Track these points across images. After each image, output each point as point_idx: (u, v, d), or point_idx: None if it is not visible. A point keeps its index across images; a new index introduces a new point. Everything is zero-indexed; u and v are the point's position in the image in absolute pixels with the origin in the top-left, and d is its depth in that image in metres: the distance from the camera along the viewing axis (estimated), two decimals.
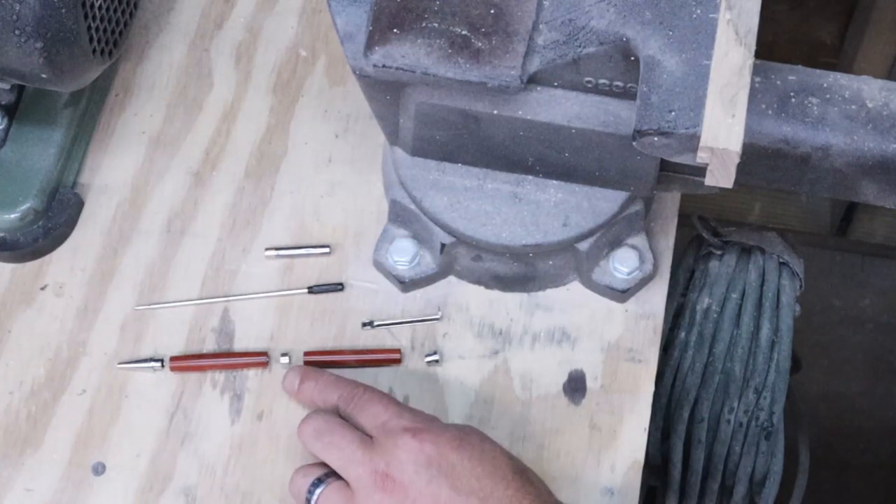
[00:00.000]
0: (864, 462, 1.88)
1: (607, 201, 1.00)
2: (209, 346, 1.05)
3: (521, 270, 1.04)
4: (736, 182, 0.86)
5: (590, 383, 1.03)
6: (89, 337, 1.05)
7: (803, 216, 1.85)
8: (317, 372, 1.01)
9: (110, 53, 1.02)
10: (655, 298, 1.06)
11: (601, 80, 0.91)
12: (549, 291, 1.06)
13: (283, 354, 1.04)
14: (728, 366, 1.13)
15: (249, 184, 1.10)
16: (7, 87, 1.04)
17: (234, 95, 1.13)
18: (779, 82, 0.89)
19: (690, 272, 1.16)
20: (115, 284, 1.06)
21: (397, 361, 1.04)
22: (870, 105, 0.89)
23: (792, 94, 0.89)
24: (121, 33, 1.04)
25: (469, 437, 0.94)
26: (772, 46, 1.67)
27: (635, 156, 0.93)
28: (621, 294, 1.04)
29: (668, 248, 1.08)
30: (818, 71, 0.90)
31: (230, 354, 1.04)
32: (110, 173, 1.10)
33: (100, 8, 0.99)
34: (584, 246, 1.01)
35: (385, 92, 0.94)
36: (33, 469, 1.01)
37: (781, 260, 1.14)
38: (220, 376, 1.04)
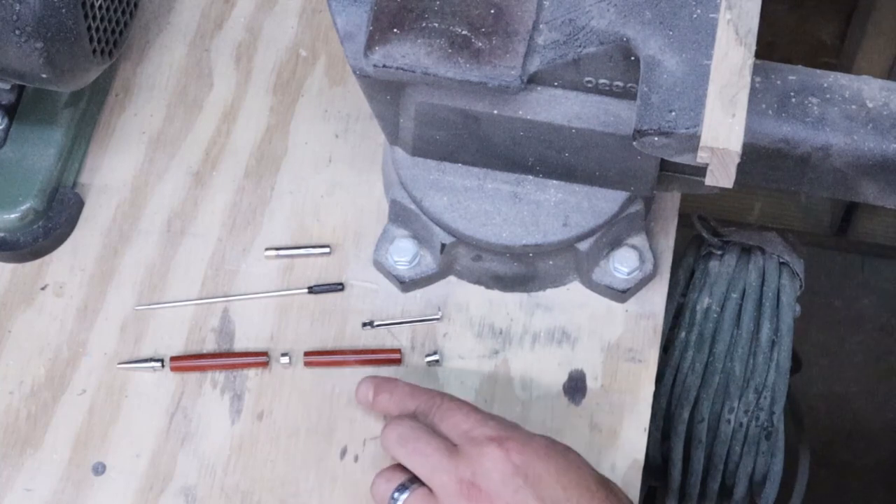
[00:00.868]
0: (864, 462, 1.88)
1: (607, 201, 1.00)
2: (209, 346, 1.05)
3: (521, 270, 1.04)
4: (736, 182, 0.86)
5: (590, 383, 1.03)
6: (89, 337, 1.05)
7: (803, 216, 1.85)
8: (390, 382, 0.99)
9: (110, 53, 1.02)
10: (655, 298, 1.06)
11: (601, 80, 0.91)
12: (549, 291, 1.06)
13: (283, 354, 1.04)
14: (728, 366, 1.13)
15: (249, 184, 1.10)
16: (7, 87, 1.04)
17: (234, 95, 1.13)
18: (779, 82, 0.89)
19: (690, 272, 1.16)
20: (115, 284, 1.06)
21: (397, 361, 1.04)
22: (870, 105, 0.89)
23: (792, 94, 0.89)
24: (121, 33, 1.04)
25: (554, 446, 0.93)
26: (772, 46, 1.67)
27: (635, 156, 0.93)
28: (621, 294, 1.04)
29: (668, 248, 1.08)
30: (818, 71, 0.90)
31: (230, 354, 1.04)
32: (110, 173, 1.10)
33: (100, 8, 0.99)
34: (584, 246, 1.01)
35: (385, 92, 0.94)
36: (33, 469, 1.01)
37: (781, 260, 1.14)
38: (220, 376, 1.04)
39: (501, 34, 0.89)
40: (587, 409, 1.03)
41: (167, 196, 1.09)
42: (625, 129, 0.92)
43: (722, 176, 0.86)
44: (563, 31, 0.89)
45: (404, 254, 1.04)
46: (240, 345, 1.05)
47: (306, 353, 1.04)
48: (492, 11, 0.90)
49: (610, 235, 1.02)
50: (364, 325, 1.05)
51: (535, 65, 0.90)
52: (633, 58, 0.88)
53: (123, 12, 1.04)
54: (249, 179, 1.10)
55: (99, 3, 0.99)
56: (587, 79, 0.91)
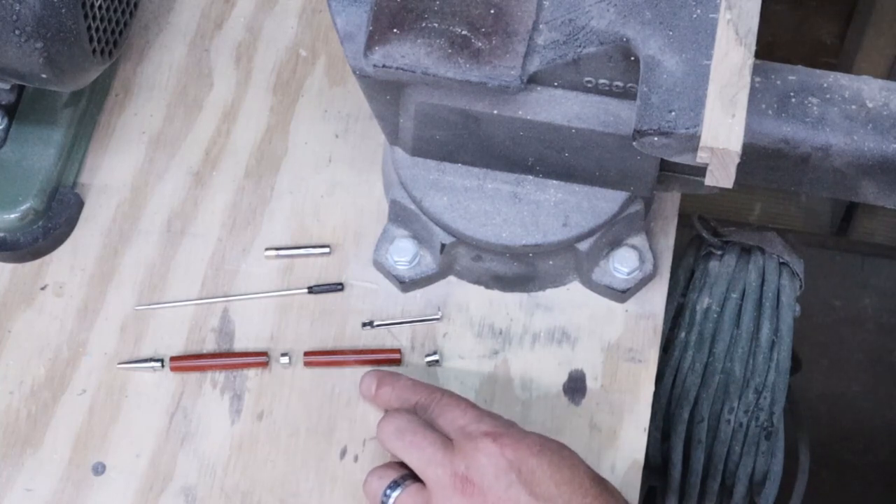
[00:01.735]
0: (864, 462, 1.88)
1: (607, 201, 1.00)
2: (209, 346, 1.05)
3: (521, 270, 1.04)
4: (736, 182, 0.86)
5: (590, 383, 1.03)
6: (89, 337, 1.05)
7: (803, 216, 1.85)
8: (393, 376, 1.00)
9: (110, 53, 1.02)
10: (655, 298, 1.06)
11: (601, 80, 0.91)
12: (549, 291, 1.06)
13: (283, 354, 1.04)
14: (728, 366, 1.13)
15: (249, 184, 1.10)
16: (7, 87, 1.04)
17: (234, 95, 1.13)
18: (779, 82, 0.89)
19: (690, 272, 1.16)
20: (115, 284, 1.06)
21: (397, 361, 1.04)
22: (870, 105, 0.89)
23: (792, 94, 0.89)
24: (121, 33, 1.04)
25: (548, 443, 0.93)
26: (772, 46, 1.67)
27: (635, 156, 0.93)
28: (621, 294, 1.04)
29: (668, 248, 1.08)
30: (818, 71, 0.90)
31: (230, 354, 1.04)
32: (110, 173, 1.10)
33: (100, 8, 0.99)
34: (584, 246, 1.01)
35: (385, 92, 0.94)
36: (33, 469, 1.01)
37: (781, 260, 1.14)
38: (220, 376, 1.04)
39: (501, 34, 0.89)
40: (587, 409, 1.03)
41: (167, 196, 1.09)
42: (625, 129, 0.92)
43: (722, 176, 0.86)
44: (563, 31, 0.89)
45: (404, 254, 1.04)
46: (240, 345, 1.05)
47: (306, 353, 1.04)
48: (492, 11, 0.90)
49: (610, 235, 1.02)
50: (364, 325, 1.05)
51: (535, 65, 0.90)
52: (633, 58, 0.88)
53: (123, 12, 1.04)
54: (249, 179, 1.10)
55: (99, 3, 0.99)
56: (587, 79, 0.91)
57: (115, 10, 1.02)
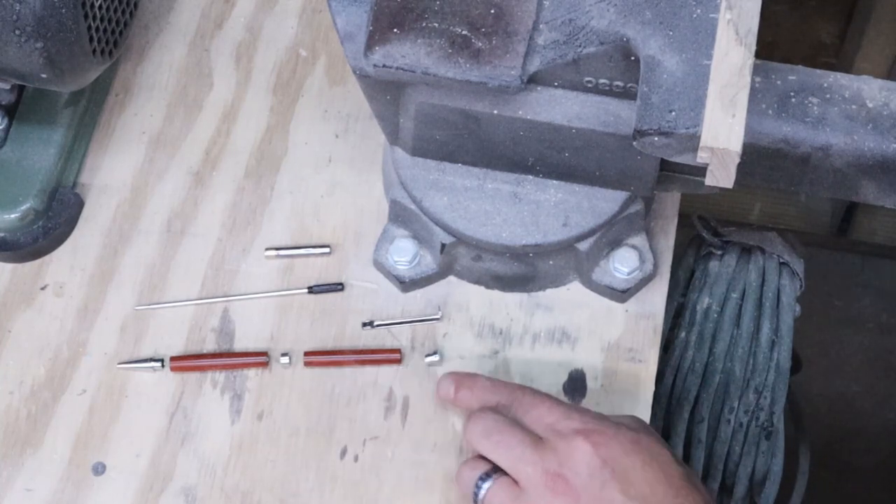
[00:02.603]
0: (864, 462, 1.88)
1: (607, 201, 1.00)
2: (209, 346, 1.05)
3: (521, 270, 1.04)
4: (736, 182, 0.86)
5: (590, 383, 1.03)
6: (89, 337, 1.05)
7: (803, 216, 1.85)
8: (471, 378, 1.00)
9: (110, 53, 1.02)
10: (655, 298, 1.06)
11: (601, 80, 0.91)
12: (549, 291, 1.06)
13: (283, 354, 1.04)
14: (728, 366, 1.13)
15: (249, 184, 1.10)
16: (7, 87, 1.04)
17: (234, 95, 1.13)
18: (779, 82, 0.89)
19: (690, 272, 1.16)
20: (115, 284, 1.06)
21: (397, 361, 1.04)
22: (870, 105, 0.89)
23: (792, 94, 0.89)
24: (121, 33, 1.04)
25: (640, 439, 0.93)
26: (772, 46, 1.67)
27: (635, 156, 0.93)
28: (621, 294, 1.04)
29: (668, 248, 1.08)
30: (818, 71, 0.90)
31: (230, 354, 1.04)
32: (110, 173, 1.10)
33: (100, 8, 0.99)
34: (584, 246, 1.01)
35: (385, 92, 0.94)
36: (33, 469, 1.01)
37: (781, 260, 1.14)
38: (220, 376, 1.04)
39: (501, 34, 0.89)
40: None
41: (167, 196, 1.09)
42: (625, 129, 0.92)
43: (722, 176, 0.86)
44: (563, 31, 0.89)
45: (404, 254, 1.04)
46: (240, 345, 1.05)
47: (306, 353, 1.04)
48: (492, 11, 0.90)
49: (610, 235, 1.02)
50: (364, 325, 1.05)
51: (535, 65, 0.90)
52: (633, 58, 0.88)
53: (123, 12, 1.04)
54: (249, 179, 1.10)
55: (99, 3, 0.99)
56: (587, 79, 0.91)
57: (115, 10, 1.02)
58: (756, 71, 0.87)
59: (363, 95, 0.96)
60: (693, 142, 0.85)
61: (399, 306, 1.06)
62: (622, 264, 1.03)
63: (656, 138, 0.86)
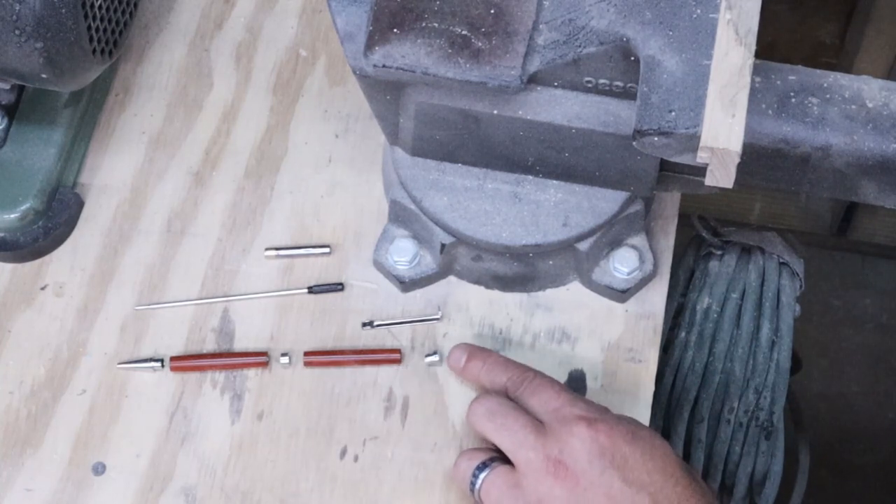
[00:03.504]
0: (864, 462, 1.88)
1: (607, 201, 1.00)
2: (209, 346, 1.05)
3: (521, 270, 1.04)
4: (736, 182, 0.86)
5: (590, 383, 1.03)
6: (89, 337, 1.05)
7: (803, 216, 1.85)
8: (484, 351, 1.01)
9: (110, 53, 1.02)
10: (655, 298, 1.06)
11: (601, 80, 0.91)
12: (549, 291, 1.06)
13: (283, 354, 1.04)
14: (728, 366, 1.13)
15: (249, 184, 1.10)
16: (7, 87, 1.04)
17: (234, 95, 1.13)
18: (779, 82, 0.89)
19: (690, 272, 1.16)
20: (115, 284, 1.06)
21: (397, 361, 1.04)
22: (870, 105, 0.89)
23: (792, 94, 0.89)
24: (121, 33, 1.04)
25: (641, 431, 0.94)
26: (772, 46, 1.67)
27: (635, 156, 0.93)
28: (621, 294, 1.04)
29: (668, 248, 1.08)
30: (818, 71, 0.90)
31: (230, 354, 1.04)
32: (110, 173, 1.10)
33: (100, 8, 0.99)
34: (584, 246, 1.01)
35: (385, 92, 0.94)
36: (33, 469, 1.01)
37: (781, 260, 1.14)
38: (220, 376, 1.04)
39: (501, 34, 0.89)
40: None
41: (167, 196, 1.09)
42: (625, 129, 0.92)
43: (722, 176, 0.86)
44: (563, 31, 0.89)
45: (404, 254, 1.04)
46: (240, 345, 1.05)
47: (306, 353, 1.04)
48: (492, 11, 0.90)
49: (610, 235, 1.02)
50: (364, 325, 1.05)
51: (535, 65, 0.90)
52: (633, 58, 0.88)
53: (123, 12, 1.04)
54: (249, 179, 1.10)
55: (99, 3, 0.99)
56: (587, 79, 0.91)
57: (115, 10, 1.02)
58: (756, 71, 0.87)
59: (363, 95, 0.96)
60: (693, 142, 0.85)
61: (399, 306, 1.06)
62: (622, 264, 1.04)
63: (656, 138, 0.86)
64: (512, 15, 0.90)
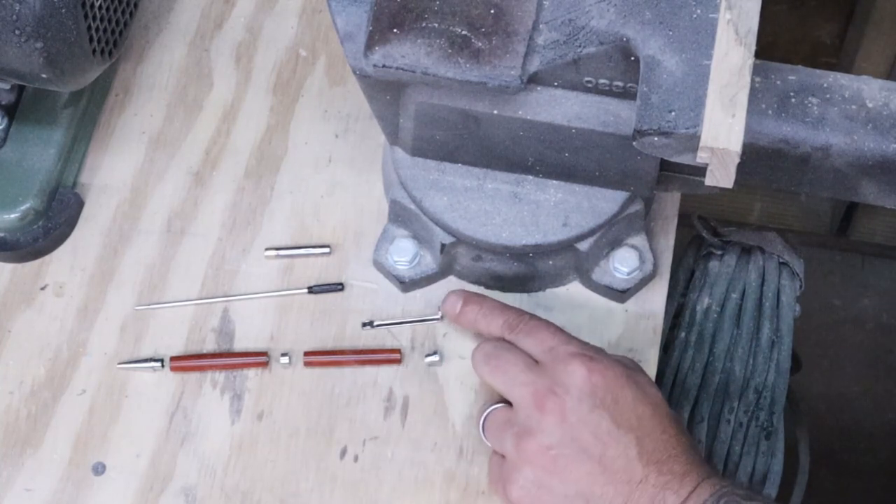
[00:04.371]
0: (864, 462, 1.88)
1: (607, 201, 1.00)
2: (209, 346, 1.05)
3: (521, 270, 1.04)
4: (736, 182, 0.86)
5: None
6: (89, 337, 1.05)
7: (803, 216, 1.85)
8: (480, 297, 1.01)
9: (110, 53, 1.02)
10: (655, 298, 1.06)
11: (601, 80, 0.91)
12: (549, 291, 1.06)
13: (283, 354, 1.04)
14: (728, 366, 1.13)
15: (249, 184, 1.10)
16: (7, 87, 1.04)
17: (234, 95, 1.13)
18: (779, 82, 0.89)
19: (690, 272, 1.16)
20: (115, 284, 1.06)
21: (397, 361, 1.04)
22: (870, 105, 0.89)
23: (792, 94, 0.89)
24: (121, 33, 1.04)
25: (636, 375, 0.95)
26: (772, 46, 1.67)
27: (635, 156, 0.93)
28: (621, 294, 1.04)
29: (668, 248, 1.08)
30: (818, 71, 0.90)
31: (230, 354, 1.04)
32: (110, 173, 1.10)
33: (100, 8, 0.99)
34: (584, 246, 1.01)
35: (385, 92, 0.94)
36: (33, 469, 1.01)
37: (781, 260, 1.14)
38: (220, 376, 1.04)
39: (501, 34, 0.89)
40: None
41: (167, 196, 1.09)
42: (625, 129, 0.92)
43: (722, 176, 0.86)
44: (563, 31, 0.89)
45: (404, 254, 1.04)
46: (240, 345, 1.05)
47: (306, 353, 1.04)
48: (492, 11, 0.90)
49: (610, 235, 1.02)
50: (364, 325, 1.05)
51: (534, 65, 0.90)
52: (633, 58, 0.88)
53: (123, 12, 1.04)
54: (249, 179, 1.10)
55: (99, 3, 0.99)
56: (587, 79, 0.91)
57: (115, 10, 1.02)
58: (756, 71, 0.87)
59: (363, 95, 0.96)
60: (693, 142, 0.85)
61: (399, 306, 1.06)
62: (622, 264, 1.04)
63: (656, 138, 0.86)
64: (512, 15, 0.90)
